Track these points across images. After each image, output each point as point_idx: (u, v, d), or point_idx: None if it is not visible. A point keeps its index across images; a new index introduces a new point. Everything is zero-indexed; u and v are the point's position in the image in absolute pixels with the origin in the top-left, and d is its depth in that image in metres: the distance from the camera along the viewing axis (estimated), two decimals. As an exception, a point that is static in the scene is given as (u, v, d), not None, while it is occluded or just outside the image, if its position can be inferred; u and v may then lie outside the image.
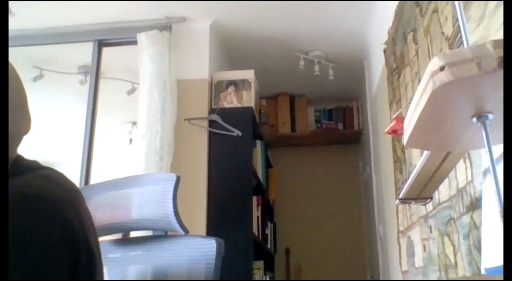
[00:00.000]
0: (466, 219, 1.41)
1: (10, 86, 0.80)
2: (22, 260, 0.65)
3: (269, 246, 3.49)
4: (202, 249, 1.21)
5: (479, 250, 1.25)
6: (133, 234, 1.54)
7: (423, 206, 1.88)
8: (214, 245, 1.19)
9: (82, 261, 0.73)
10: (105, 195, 1.39)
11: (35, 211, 0.69)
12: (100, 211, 1.35)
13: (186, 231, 1.27)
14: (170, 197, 1.27)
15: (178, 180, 1.28)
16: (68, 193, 0.78)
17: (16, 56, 0.84)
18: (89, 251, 0.76)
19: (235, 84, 2.94)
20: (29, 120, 0.85)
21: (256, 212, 2.93)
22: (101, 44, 3.04)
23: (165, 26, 2.90)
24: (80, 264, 0.72)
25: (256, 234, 2.85)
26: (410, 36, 2.10)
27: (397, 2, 2.31)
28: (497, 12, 1.16)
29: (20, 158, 0.84)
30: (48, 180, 0.78)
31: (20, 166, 0.81)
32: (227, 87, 2.94)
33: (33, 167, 0.83)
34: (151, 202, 1.31)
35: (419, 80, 1.58)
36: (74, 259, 0.71)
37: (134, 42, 2.87)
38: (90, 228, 0.80)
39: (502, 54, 0.66)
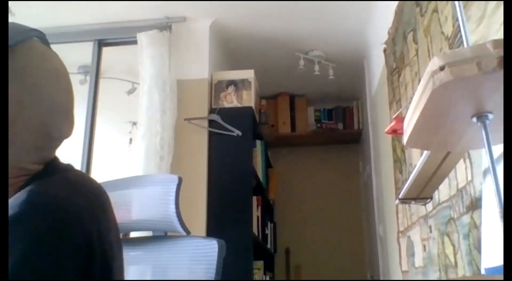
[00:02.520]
0: (466, 219, 1.41)
1: (58, 89, 0.80)
2: (35, 267, 0.65)
3: (269, 246, 3.49)
4: (204, 250, 1.21)
5: (479, 250, 1.25)
6: (133, 234, 1.54)
7: (423, 206, 1.88)
8: (216, 246, 1.19)
9: (97, 274, 0.72)
10: (109, 194, 1.39)
11: (53, 222, 0.68)
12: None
13: (188, 232, 1.27)
14: (173, 198, 1.27)
15: (180, 181, 1.29)
16: (91, 202, 0.76)
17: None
18: (106, 264, 0.74)
19: (235, 84, 2.94)
20: (72, 124, 0.85)
21: (256, 212, 2.93)
22: (101, 44, 3.04)
23: (165, 26, 2.90)
24: (94, 276, 0.71)
25: (256, 234, 2.85)
26: (410, 36, 2.10)
27: (397, 2, 2.31)
28: (497, 12, 1.16)
29: (55, 160, 0.83)
30: (72, 187, 0.76)
31: (51, 167, 0.81)
32: (227, 87, 2.94)
33: (62, 169, 0.82)
34: (153, 203, 1.31)
35: (419, 80, 1.58)
36: (89, 273, 0.70)
37: (134, 42, 2.87)
38: (112, 238, 0.78)
39: (502, 54, 0.66)
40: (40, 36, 0.82)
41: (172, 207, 1.26)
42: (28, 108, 0.75)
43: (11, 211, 0.67)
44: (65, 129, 0.83)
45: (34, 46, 0.80)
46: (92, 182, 0.83)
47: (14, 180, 0.77)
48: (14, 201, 0.69)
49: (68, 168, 0.84)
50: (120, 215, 1.35)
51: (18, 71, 0.75)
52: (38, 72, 0.78)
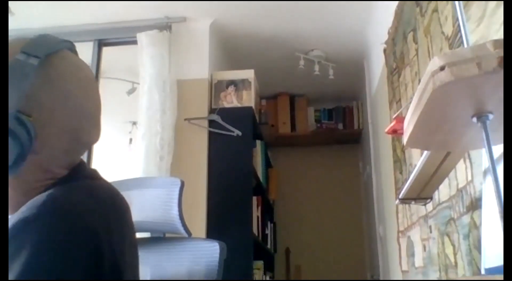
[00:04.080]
0: (466, 219, 1.41)
1: (89, 96, 0.85)
2: (42, 268, 0.66)
3: (269, 246, 3.49)
4: (205, 252, 1.21)
5: (479, 250, 1.25)
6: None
7: (423, 206, 1.88)
8: (217, 248, 1.20)
9: (104, 277, 0.72)
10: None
11: (64, 226, 0.70)
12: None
13: (189, 234, 1.28)
14: (176, 200, 1.27)
15: (182, 184, 1.29)
16: (106, 210, 0.78)
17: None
18: (116, 268, 0.75)
19: (235, 84, 2.94)
20: (99, 130, 0.88)
21: (256, 212, 2.93)
22: (101, 44, 3.04)
23: (165, 26, 2.90)
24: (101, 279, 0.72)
25: (256, 234, 2.85)
26: (410, 36, 2.10)
27: (397, 2, 2.31)
28: (497, 12, 1.16)
29: (80, 165, 0.86)
30: (90, 194, 0.78)
31: (75, 173, 0.83)
32: (227, 87, 2.94)
33: (86, 175, 0.85)
34: (155, 205, 1.31)
35: (419, 80, 1.58)
36: (98, 277, 0.71)
37: (134, 42, 2.87)
38: (125, 248, 0.79)
39: (502, 54, 0.66)
40: (71, 47, 0.87)
41: (175, 209, 1.26)
42: (60, 113, 0.79)
43: (27, 212, 0.69)
44: (93, 135, 0.87)
45: (68, 56, 0.84)
46: (113, 190, 0.85)
47: (39, 183, 0.80)
48: (32, 203, 0.71)
49: (93, 176, 0.87)
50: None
51: (52, 79, 0.79)
52: (71, 80, 0.82)
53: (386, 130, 1.71)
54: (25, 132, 0.73)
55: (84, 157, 2.79)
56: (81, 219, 0.72)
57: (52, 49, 0.80)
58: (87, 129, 0.84)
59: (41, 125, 0.76)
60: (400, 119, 1.61)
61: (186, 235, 1.28)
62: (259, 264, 3.01)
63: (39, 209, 0.69)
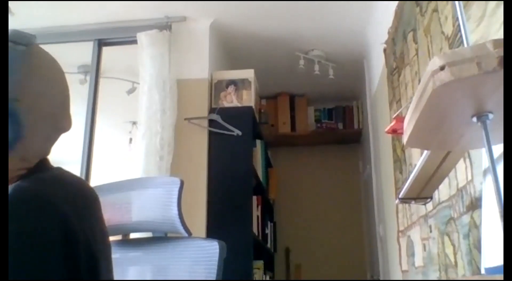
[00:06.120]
0: (466, 218, 1.41)
1: (64, 85, 0.87)
2: (15, 262, 0.66)
3: (269, 245, 3.49)
4: (205, 251, 1.22)
5: (479, 249, 1.25)
6: (134, 235, 1.54)
7: (423, 206, 1.88)
8: (217, 247, 1.20)
9: (82, 263, 0.72)
10: (110, 196, 1.39)
11: (34, 217, 0.70)
12: (103, 212, 1.35)
13: (189, 233, 1.28)
14: (175, 200, 1.28)
15: (182, 184, 1.30)
16: (75, 200, 0.78)
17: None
18: (91, 255, 0.75)
19: (235, 83, 2.94)
20: (70, 119, 0.90)
21: (256, 212, 2.93)
22: (101, 43, 3.04)
23: (165, 26, 2.90)
24: (79, 267, 0.72)
25: (256, 234, 2.85)
26: (410, 36, 2.10)
27: (397, 2, 2.31)
28: (497, 12, 1.16)
29: (46, 159, 0.87)
30: (57, 183, 0.79)
31: (41, 165, 0.84)
32: (227, 87, 2.94)
33: (51, 168, 0.85)
34: (155, 205, 1.31)
35: (419, 80, 1.58)
36: (73, 260, 0.71)
37: (134, 42, 2.87)
38: (96, 237, 0.79)
39: (502, 54, 0.66)
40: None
41: (175, 209, 1.27)
42: (44, 99, 0.81)
43: None
44: (63, 123, 0.88)
45: (42, 49, 0.88)
46: (79, 180, 0.86)
47: (13, 173, 0.79)
48: None
49: (58, 168, 0.87)
50: (122, 216, 1.35)
51: (37, 66, 0.82)
52: (52, 69, 0.85)
53: (386, 130, 1.71)
54: (14, 116, 0.75)
55: (84, 156, 2.80)
56: (52, 207, 0.72)
57: (30, 41, 0.84)
58: (61, 116, 0.86)
59: (27, 111, 0.78)
60: (400, 119, 1.61)
61: (185, 234, 1.28)
62: (259, 263, 3.01)
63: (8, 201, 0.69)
